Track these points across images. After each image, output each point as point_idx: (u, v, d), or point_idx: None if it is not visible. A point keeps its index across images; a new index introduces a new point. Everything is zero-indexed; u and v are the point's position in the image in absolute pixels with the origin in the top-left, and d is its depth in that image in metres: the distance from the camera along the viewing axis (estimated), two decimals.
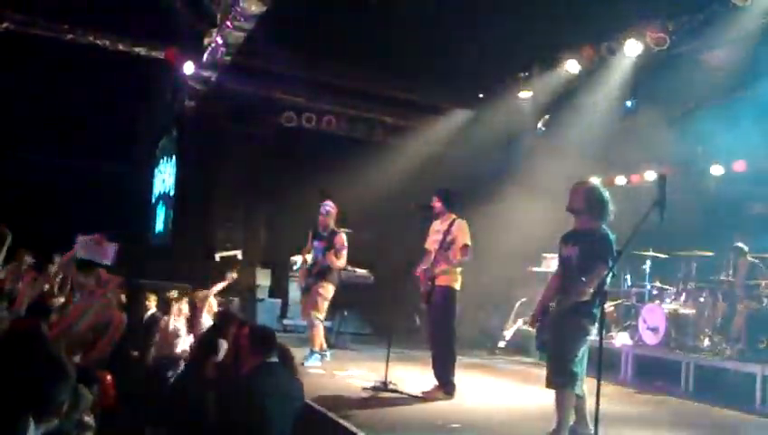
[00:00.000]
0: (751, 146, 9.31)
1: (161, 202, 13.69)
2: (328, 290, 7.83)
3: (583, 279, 4.88)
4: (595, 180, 5.24)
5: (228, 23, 8.88)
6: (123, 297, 7.46)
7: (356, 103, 11.66)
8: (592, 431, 4.49)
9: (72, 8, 9.76)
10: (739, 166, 9.78)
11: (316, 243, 7.97)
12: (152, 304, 8.22)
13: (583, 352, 4.95)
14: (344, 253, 7.86)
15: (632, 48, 9.01)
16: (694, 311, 8.35)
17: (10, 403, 1.94)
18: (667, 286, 8.86)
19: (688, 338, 8.22)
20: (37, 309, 4.49)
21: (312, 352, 7.69)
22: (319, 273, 7.89)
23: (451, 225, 6.58)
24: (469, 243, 6.50)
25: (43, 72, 11.06)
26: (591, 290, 4.79)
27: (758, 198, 9.75)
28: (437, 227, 6.73)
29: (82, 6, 9.75)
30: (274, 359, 4.29)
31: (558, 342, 4.97)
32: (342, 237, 7.89)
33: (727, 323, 8.13)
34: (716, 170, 10.00)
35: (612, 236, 4.96)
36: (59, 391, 2.02)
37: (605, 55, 9.49)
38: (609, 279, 4.66)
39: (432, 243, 6.71)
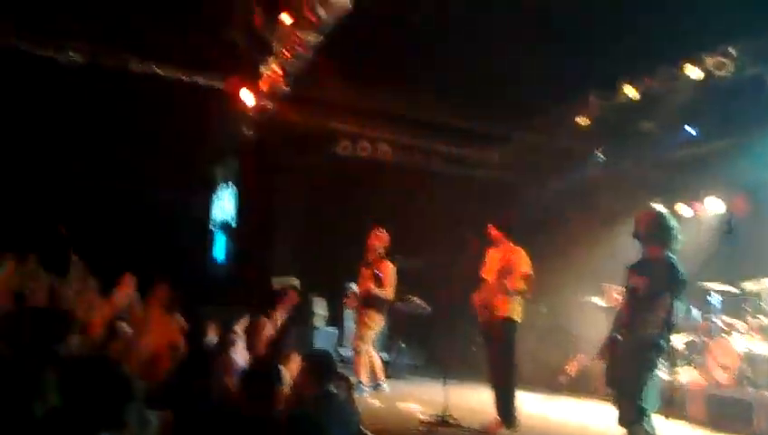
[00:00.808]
0: None
1: (220, 230, 13.92)
2: (373, 319, 7.75)
3: (650, 311, 4.71)
4: (661, 207, 5.09)
5: (286, 52, 9.02)
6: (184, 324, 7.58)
7: (411, 132, 11.65)
8: None
9: (130, 37, 10.06)
10: None
11: (364, 270, 7.96)
12: (213, 332, 8.30)
13: (653, 386, 4.76)
14: (389, 281, 7.74)
15: (692, 73, 8.75)
16: None
17: (87, 423, 2.04)
18: (737, 321, 8.46)
19: (762, 377, 7.80)
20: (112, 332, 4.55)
21: (358, 384, 7.54)
22: (364, 301, 7.84)
23: (509, 253, 6.45)
24: (531, 272, 6.35)
25: (100, 100, 11.39)
26: (660, 322, 4.63)
27: None
28: (495, 255, 6.60)
29: (140, 36, 10.04)
30: (333, 389, 4.24)
31: (627, 377, 4.79)
32: (387, 265, 7.78)
33: None
34: None
35: (681, 266, 4.79)
36: (127, 410, 2.12)
37: (664, 81, 9.26)
38: (680, 311, 4.49)
39: (489, 272, 6.58)
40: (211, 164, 14.61)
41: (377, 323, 7.86)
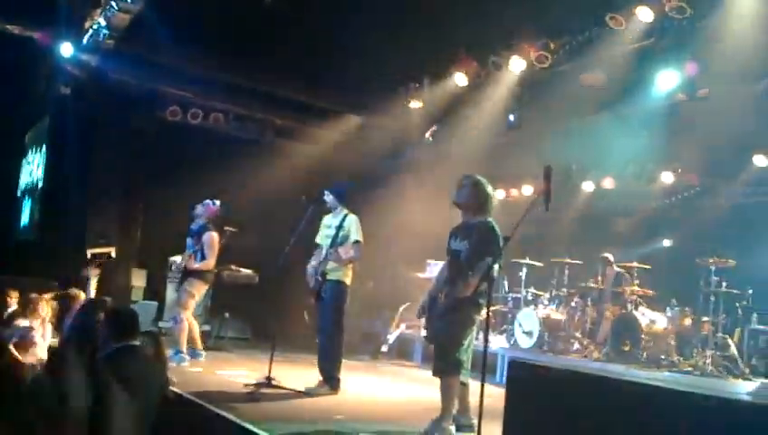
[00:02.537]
0: (618, 163, 10.03)
1: (27, 195, 12.74)
2: (194, 286, 7.51)
3: (470, 272, 4.98)
4: (479, 176, 5.36)
5: (113, 3, 8.42)
6: None
7: (245, 102, 11.40)
8: (474, 422, 4.59)
9: None
10: (607, 182, 10.48)
11: (188, 240, 7.72)
12: (13, 302, 7.65)
13: (470, 341, 5.06)
14: (211, 252, 7.54)
15: (516, 64, 9.38)
16: (565, 315, 8.80)
17: None
18: (541, 292, 9.28)
19: (560, 341, 8.63)
20: None
21: (177, 352, 7.29)
22: (184, 272, 7.61)
23: (343, 220, 6.55)
24: (361, 239, 6.49)
25: None
26: (478, 281, 4.90)
27: (622, 213, 10.50)
28: (329, 221, 6.68)
29: None
30: (136, 342, 4.25)
31: (445, 331, 5.05)
32: (211, 236, 7.59)
33: (595, 327, 8.64)
34: (587, 186, 10.65)
35: (498, 230, 5.10)
36: None
37: (491, 70, 9.85)
38: (497, 268, 4.80)
39: (323, 238, 6.64)
40: (21, 124, 13.33)
41: (198, 292, 7.63)
